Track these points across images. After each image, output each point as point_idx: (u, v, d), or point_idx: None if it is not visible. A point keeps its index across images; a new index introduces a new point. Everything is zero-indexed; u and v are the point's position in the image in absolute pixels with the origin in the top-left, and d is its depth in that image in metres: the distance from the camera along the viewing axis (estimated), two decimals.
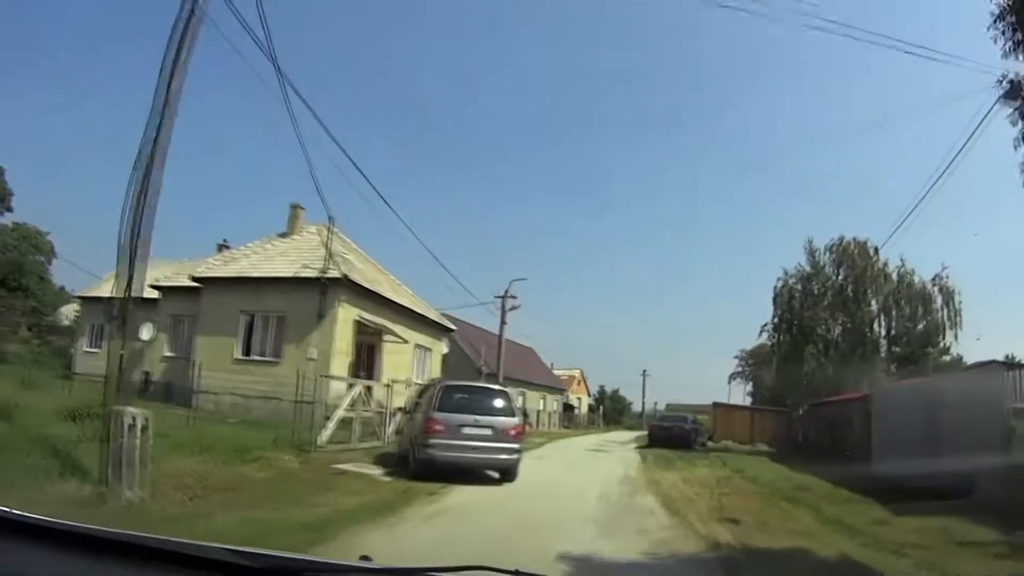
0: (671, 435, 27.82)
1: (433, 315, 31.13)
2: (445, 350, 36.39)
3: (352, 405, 17.93)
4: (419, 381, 29.37)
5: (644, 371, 77.19)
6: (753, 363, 74.09)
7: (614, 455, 23.95)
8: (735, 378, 75.40)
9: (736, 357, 75.58)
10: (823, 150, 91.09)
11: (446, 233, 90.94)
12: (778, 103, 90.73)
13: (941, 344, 27.35)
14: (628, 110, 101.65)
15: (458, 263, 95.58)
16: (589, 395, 73.38)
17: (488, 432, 12.85)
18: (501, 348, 36.06)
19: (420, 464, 12.87)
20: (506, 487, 12.71)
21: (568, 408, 58.12)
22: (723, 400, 72.85)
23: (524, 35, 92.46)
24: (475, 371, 36.27)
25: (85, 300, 32.88)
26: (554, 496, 12.38)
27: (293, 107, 12.39)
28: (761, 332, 31.71)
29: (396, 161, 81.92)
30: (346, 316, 23.90)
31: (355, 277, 24.19)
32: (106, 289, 33.69)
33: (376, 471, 13.48)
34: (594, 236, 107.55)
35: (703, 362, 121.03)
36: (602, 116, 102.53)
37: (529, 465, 18.07)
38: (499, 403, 13.66)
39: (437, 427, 12.72)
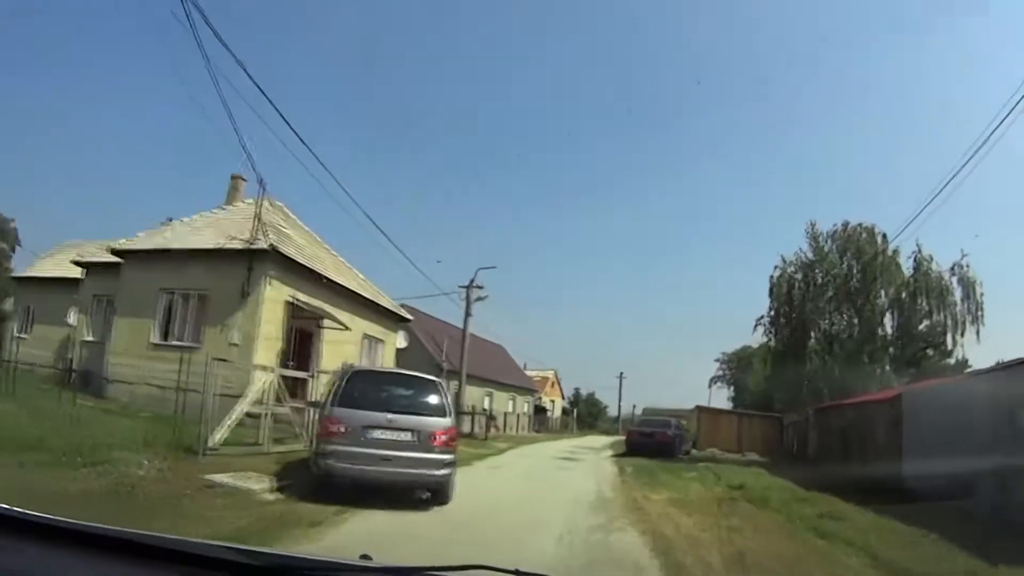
0: (653, 442, 24.38)
1: (387, 303, 27.47)
2: (403, 343, 32.77)
3: (262, 399, 14.44)
4: None
5: (621, 374, 74.36)
6: (735, 367, 71.79)
7: (586, 465, 20.48)
8: (716, 382, 73.07)
9: (717, 360, 73.28)
10: (813, 135, 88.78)
11: (415, 226, 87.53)
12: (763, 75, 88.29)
13: (958, 342, 24.06)
14: (601, 101, 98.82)
15: (425, 257, 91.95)
16: (563, 398, 69.97)
17: (407, 437, 9.28)
18: (465, 342, 32.49)
19: (316, 478, 9.36)
20: (433, 514, 9.16)
21: (540, 411, 54.58)
22: (703, 404, 70.28)
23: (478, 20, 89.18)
24: (435, 367, 32.62)
25: (20, 281, 30.43)
26: (496, 535, 8.24)
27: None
28: (756, 326, 28.30)
29: (356, 149, 78.28)
30: (275, 296, 20.28)
31: (287, 250, 20.55)
32: (41, 269, 30.80)
33: (262, 485, 9.91)
34: (571, 234, 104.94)
35: (682, 366, 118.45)
36: (574, 109, 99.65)
37: (480, 478, 14.55)
38: (426, 398, 10.04)
39: (335, 428, 9.19)
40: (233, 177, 26.24)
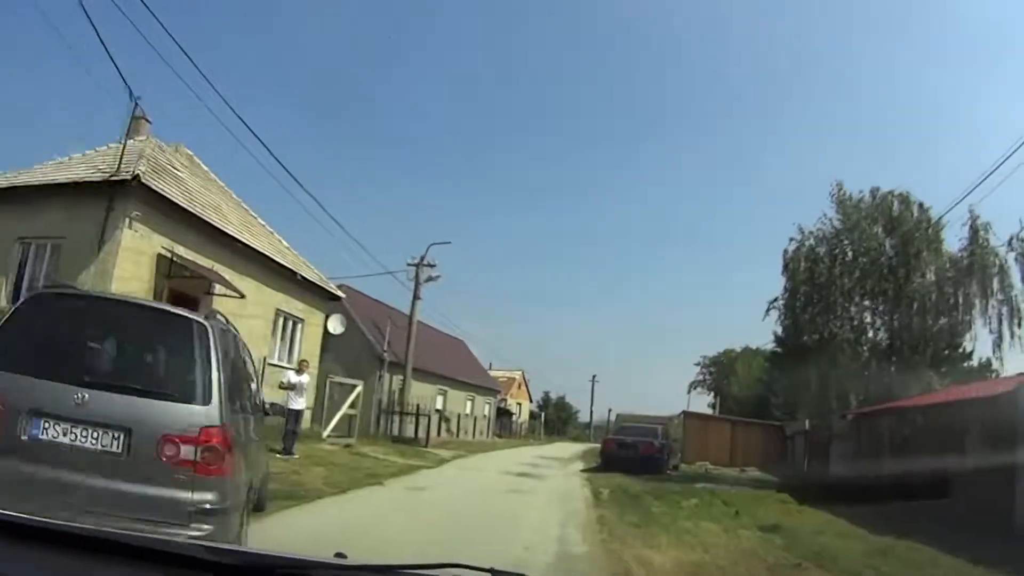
0: (635, 455, 19.32)
1: (311, 275, 22.19)
2: (339, 329, 27.41)
3: None
4: (280, 362, 20.64)
5: (593, 377, 69.57)
6: (716, 371, 67.47)
7: (549, 485, 15.24)
8: (696, 387, 68.63)
9: (698, 364, 69.01)
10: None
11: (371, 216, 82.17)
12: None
13: (1015, 334, 19.25)
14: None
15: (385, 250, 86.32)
16: (531, 401, 64.86)
17: (107, 444, 4.04)
18: (412, 328, 27.27)
19: None
20: None
21: (504, 413, 49.33)
22: (679, 412, 65.73)
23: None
24: (375, 358, 27.35)
25: None
26: None
27: None
28: (768, 310, 23.01)
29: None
30: (140, 245, 15.21)
31: (161, 186, 15.45)
32: None
33: None
34: (539, 231, 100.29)
35: (658, 371, 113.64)
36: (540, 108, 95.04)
37: (374, 511, 9.34)
38: (157, 356, 4.85)
39: None
40: (135, 118, 21.06)
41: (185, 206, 16.21)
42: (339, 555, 1.86)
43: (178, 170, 18.55)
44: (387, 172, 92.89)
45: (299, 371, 14.52)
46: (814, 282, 20.90)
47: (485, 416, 42.03)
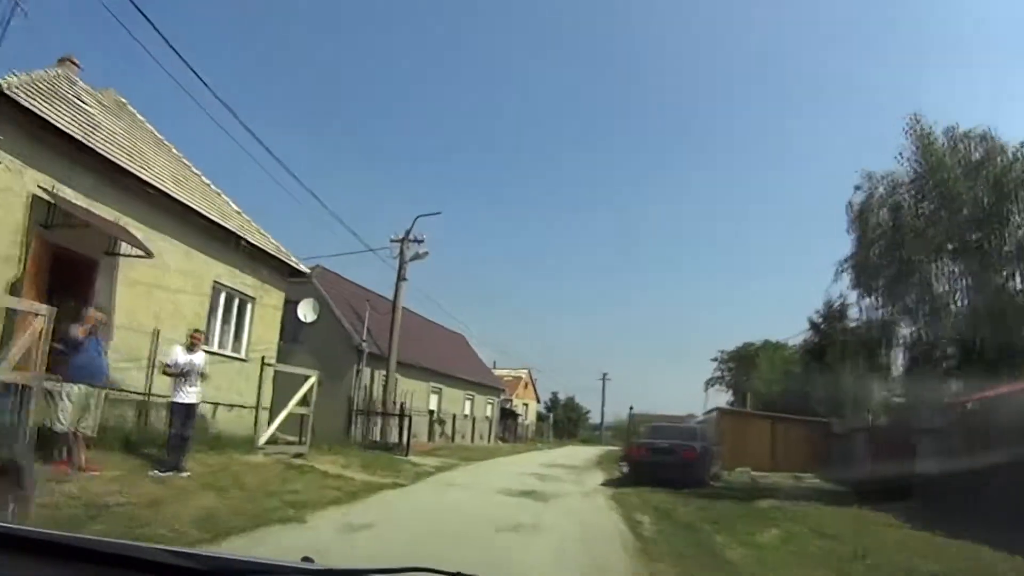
0: (673, 463, 14.80)
1: (268, 246, 18.02)
2: (311, 316, 23.31)
3: None
4: (222, 350, 16.55)
5: (604, 375, 65.40)
6: (735, 367, 62.94)
7: (564, 515, 10.42)
8: (713, 384, 63.99)
9: (714, 360, 64.46)
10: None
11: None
12: None
13: None
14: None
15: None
16: (539, 401, 60.46)
17: None
18: (396, 314, 23.05)
19: None
20: None
21: (509, 415, 44.90)
22: (696, 411, 61.18)
23: None
24: (353, 349, 23.11)
25: None
26: None
27: None
28: (839, 273, 18.05)
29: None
30: (6, 181, 11.20)
31: (41, 108, 11.44)
32: None
33: None
34: (548, 232, 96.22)
35: (670, 368, 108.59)
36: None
37: None
38: None
39: None
40: (62, 60, 17.04)
41: (76, 136, 12.09)
42: (306, 559, 1.85)
43: (86, 103, 14.52)
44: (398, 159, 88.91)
45: (190, 347, 10.16)
46: (891, 238, 16.42)
47: (487, 418, 37.64)
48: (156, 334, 13.26)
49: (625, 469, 19.25)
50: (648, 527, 9.35)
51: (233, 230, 16.38)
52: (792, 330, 62.72)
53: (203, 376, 9.79)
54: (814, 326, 42.10)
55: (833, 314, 40.96)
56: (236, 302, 17.12)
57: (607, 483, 16.62)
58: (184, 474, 8.91)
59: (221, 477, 9.17)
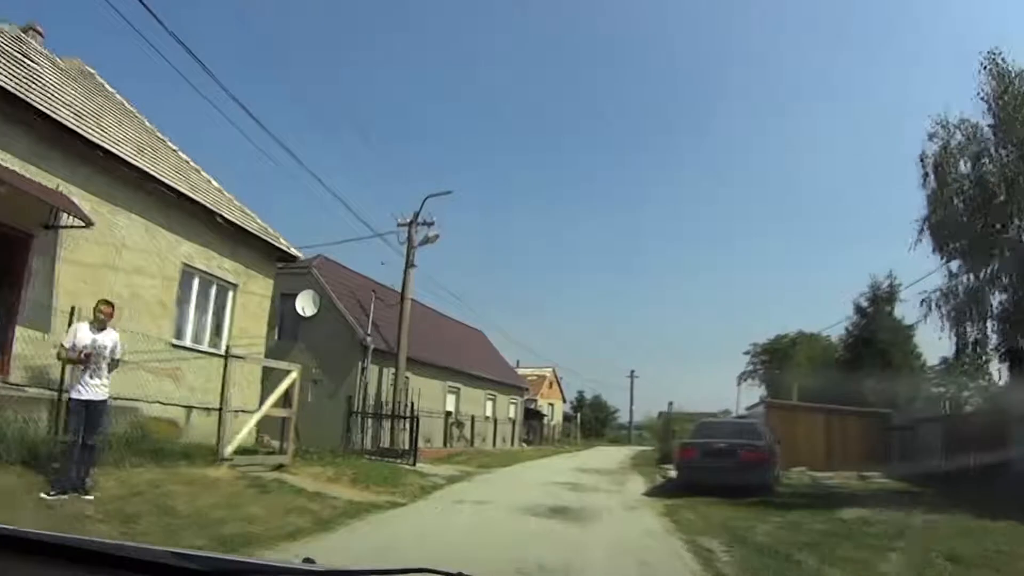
0: (733, 467, 12.10)
1: (252, 225, 15.78)
2: (310, 309, 21.17)
3: None
4: (197, 345, 14.38)
5: (632, 372, 62.57)
6: (769, 359, 59.88)
7: (606, 542, 7.93)
8: (746, 379, 60.94)
9: (746, 353, 61.37)
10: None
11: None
12: None
13: None
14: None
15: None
16: (565, 401, 57.79)
17: None
18: (405, 305, 20.67)
19: None
20: None
21: (534, 415, 42.31)
22: (729, 407, 58.16)
23: None
24: (358, 345, 20.73)
25: None
26: None
27: None
28: (920, 236, 15.20)
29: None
30: None
31: None
32: None
33: None
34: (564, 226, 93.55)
35: (697, 365, 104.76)
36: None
37: None
38: None
39: None
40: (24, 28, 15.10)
41: (11, 89, 9.93)
42: (307, 560, 1.89)
43: (35, 62, 12.45)
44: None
45: (98, 325, 7.47)
46: (973, 192, 13.66)
47: (510, 419, 35.05)
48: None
49: (670, 473, 16.64)
50: (725, 559, 6.81)
51: (205, 204, 14.11)
52: (823, 322, 59.63)
53: (115, 364, 7.33)
54: (860, 311, 39.21)
55: (880, 297, 38.20)
56: (213, 289, 14.85)
57: (652, 492, 13.99)
58: (88, 497, 6.54)
59: (142, 501, 6.78)
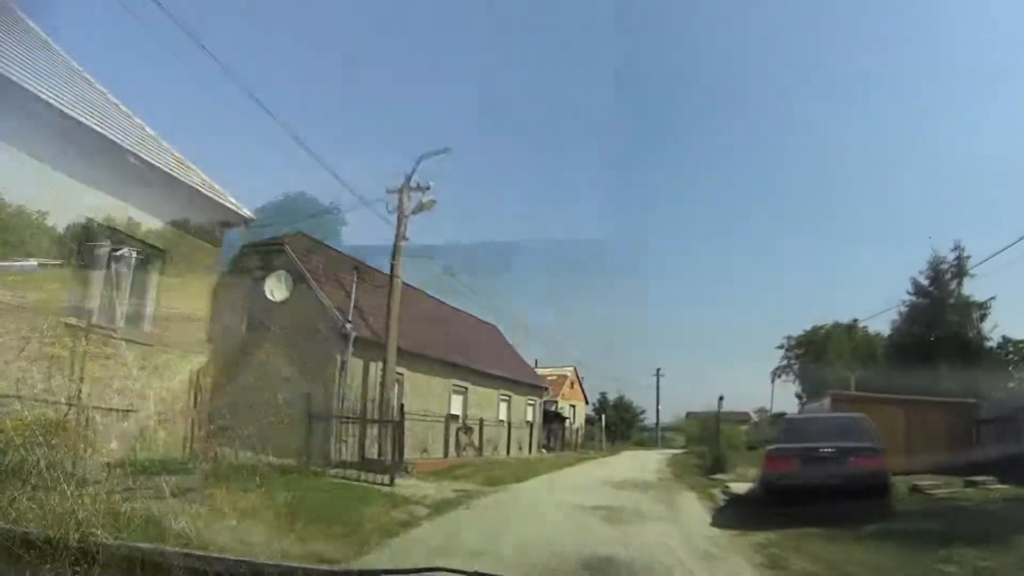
0: (840, 477, 8.41)
1: (192, 178, 12.38)
2: (283, 292, 17.61)
3: None
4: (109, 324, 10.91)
5: (658, 370, 59.01)
6: (803, 353, 55.97)
7: None
8: (780, 374, 57.06)
9: (780, 347, 57.71)
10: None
11: None
12: None
13: None
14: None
15: None
16: (587, 402, 54.00)
17: None
18: (395, 283, 17.18)
19: None
20: None
21: (554, 418, 38.50)
22: (764, 404, 54.09)
23: None
24: (337, 333, 17.16)
25: None
26: None
27: None
28: None
29: None
30: None
31: None
32: None
33: None
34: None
35: (725, 361, 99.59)
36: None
37: None
38: None
39: None
40: None
41: None
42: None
43: None
44: None
45: None
46: None
47: (527, 422, 31.29)
48: None
49: (732, 487, 12.92)
50: None
51: (114, 139, 10.65)
52: (858, 315, 55.77)
53: None
54: (919, 290, 35.05)
55: (941, 274, 34.09)
56: (133, 256, 11.35)
57: (723, 521, 10.00)
58: None
59: None
